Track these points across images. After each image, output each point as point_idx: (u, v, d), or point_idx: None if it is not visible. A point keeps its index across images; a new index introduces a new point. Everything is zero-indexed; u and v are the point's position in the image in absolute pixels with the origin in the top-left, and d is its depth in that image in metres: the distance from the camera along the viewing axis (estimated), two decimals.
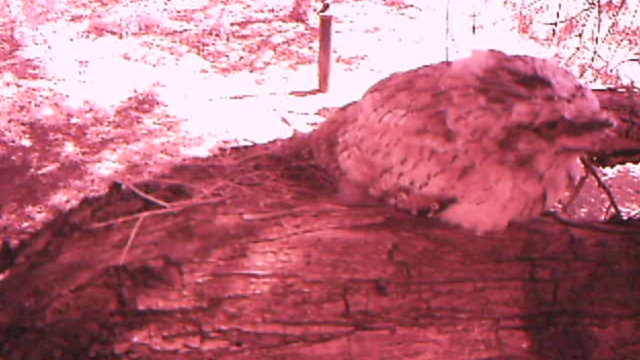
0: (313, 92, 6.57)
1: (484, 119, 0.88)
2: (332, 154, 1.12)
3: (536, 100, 0.85)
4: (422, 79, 0.99)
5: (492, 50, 0.92)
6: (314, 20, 7.45)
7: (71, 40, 7.13)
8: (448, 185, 0.93)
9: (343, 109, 1.18)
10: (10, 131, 5.48)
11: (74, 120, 5.75)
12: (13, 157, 5.19)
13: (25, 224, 4.39)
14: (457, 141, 0.91)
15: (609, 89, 1.56)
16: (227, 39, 7.52)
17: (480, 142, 0.89)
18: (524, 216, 0.95)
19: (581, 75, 4.29)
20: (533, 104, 0.85)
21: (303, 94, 6.55)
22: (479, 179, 0.92)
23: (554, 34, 4.64)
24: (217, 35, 7.54)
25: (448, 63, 0.99)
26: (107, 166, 5.19)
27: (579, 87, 0.87)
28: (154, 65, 6.86)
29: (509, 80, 0.87)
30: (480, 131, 0.88)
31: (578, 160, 0.98)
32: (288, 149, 1.24)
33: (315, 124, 5.43)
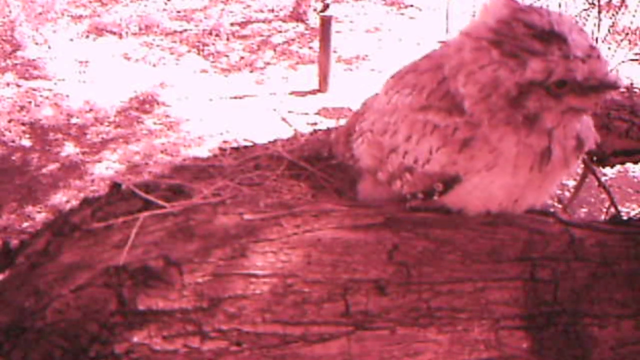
0: (313, 92, 6.57)
1: (497, 73, 0.85)
2: (349, 143, 1.14)
3: (552, 58, 0.82)
4: (425, 60, 1.00)
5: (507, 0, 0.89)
6: (314, 20, 7.45)
7: (71, 40, 7.13)
8: (449, 161, 0.93)
9: (365, 102, 1.20)
10: (10, 131, 5.48)
11: (74, 120, 5.75)
12: (13, 157, 5.19)
13: (25, 224, 4.39)
14: (463, 104, 0.89)
15: None
16: (227, 39, 7.53)
17: (488, 100, 0.87)
18: (534, 174, 0.92)
19: None
20: (549, 62, 0.82)
21: (303, 94, 6.55)
22: (482, 144, 0.90)
23: None
24: (217, 35, 7.54)
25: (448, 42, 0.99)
26: (107, 166, 5.19)
27: (593, 47, 0.84)
28: (154, 66, 6.86)
29: (524, 34, 0.84)
30: (490, 86, 0.86)
31: (580, 161, 0.97)
32: (308, 150, 1.25)
33: (315, 124, 5.44)
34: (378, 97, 1.09)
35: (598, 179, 1.56)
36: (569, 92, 0.85)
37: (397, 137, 0.99)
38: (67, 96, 6.08)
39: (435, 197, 0.99)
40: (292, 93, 6.55)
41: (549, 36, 0.83)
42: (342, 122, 1.30)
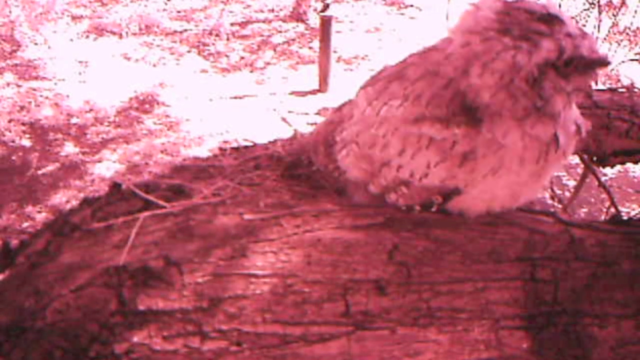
0: (313, 92, 6.57)
1: (515, 59, 0.86)
2: (331, 155, 1.10)
3: (560, 36, 0.85)
4: (412, 67, 0.98)
5: None
6: (314, 20, 7.45)
7: (71, 40, 7.13)
8: (449, 175, 0.92)
9: (338, 109, 1.16)
10: (10, 131, 5.48)
11: (74, 120, 5.75)
12: (13, 157, 5.19)
13: (25, 224, 4.39)
14: (482, 96, 0.89)
15: (609, 89, 1.56)
16: (228, 39, 7.52)
17: (510, 86, 0.87)
18: (540, 166, 0.92)
19: None
20: (558, 40, 0.85)
21: (303, 94, 6.55)
22: (486, 150, 0.90)
23: None
24: (217, 35, 7.54)
25: (432, 47, 0.98)
26: (107, 166, 5.19)
27: (580, 27, 0.89)
28: (154, 66, 6.86)
29: (528, 19, 0.86)
30: (511, 72, 0.87)
31: (577, 159, 0.98)
32: (288, 156, 1.23)
33: (315, 124, 5.43)
34: (358, 106, 1.05)
35: (598, 179, 1.56)
36: (574, 70, 0.88)
37: (389, 151, 0.97)
38: (67, 96, 6.07)
39: (434, 209, 0.98)
40: (292, 93, 6.55)
41: (551, 18, 0.86)
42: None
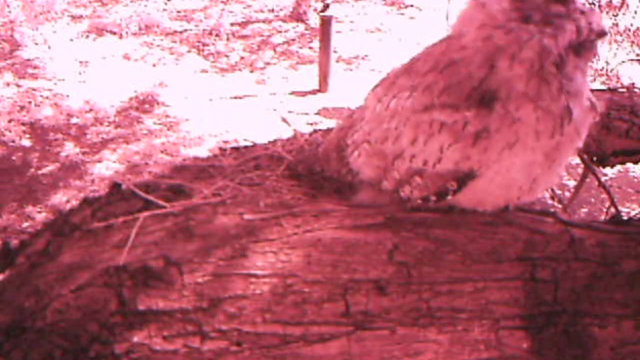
0: (313, 92, 6.57)
1: (544, 44, 0.87)
2: (343, 159, 1.11)
3: (576, 16, 0.87)
4: (419, 62, 0.98)
5: None
6: (314, 20, 7.45)
7: (71, 40, 7.13)
8: (463, 156, 0.92)
9: (349, 115, 1.17)
10: (10, 131, 5.48)
11: (74, 120, 5.75)
12: (13, 157, 5.19)
13: (25, 224, 4.39)
14: (516, 87, 0.89)
15: (609, 89, 1.56)
16: (228, 39, 7.52)
17: (542, 71, 0.88)
18: (556, 139, 0.92)
19: None
20: (576, 20, 0.87)
21: (303, 94, 6.54)
22: (500, 124, 0.89)
23: None
24: (217, 35, 7.54)
25: (436, 44, 0.99)
26: (107, 166, 5.19)
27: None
28: (154, 66, 6.86)
29: (544, 2, 0.87)
30: (539, 58, 0.87)
31: (577, 159, 0.98)
32: (301, 163, 1.23)
33: (315, 124, 5.44)
34: (368, 107, 1.06)
35: (598, 179, 1.56)
36: (586, 45, 0.89)
37: (401, 142, 0.98)
38: (67, 96, 6.07)
39: (450, 197, 0.98)
40: (292, 93, 6.55)
41: None
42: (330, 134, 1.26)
